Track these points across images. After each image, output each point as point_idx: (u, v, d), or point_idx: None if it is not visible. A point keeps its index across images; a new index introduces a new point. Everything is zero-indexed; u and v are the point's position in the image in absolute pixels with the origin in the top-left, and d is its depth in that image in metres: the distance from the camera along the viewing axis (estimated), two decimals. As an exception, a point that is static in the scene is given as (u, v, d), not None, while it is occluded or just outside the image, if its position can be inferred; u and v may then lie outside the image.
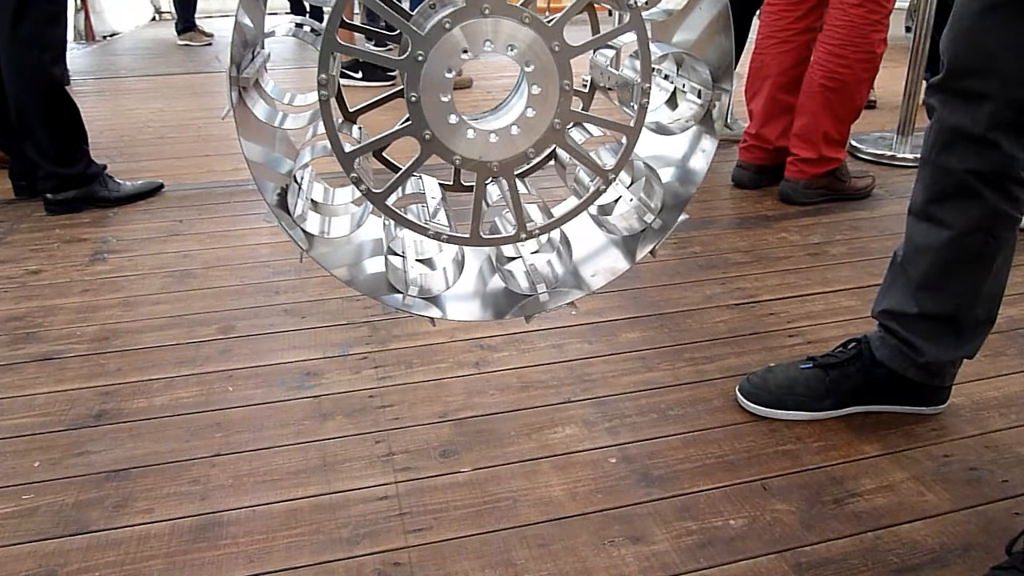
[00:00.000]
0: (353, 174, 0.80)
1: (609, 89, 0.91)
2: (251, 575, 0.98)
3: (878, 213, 2.21)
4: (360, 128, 0.89)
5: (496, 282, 0.96)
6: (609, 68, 0.89)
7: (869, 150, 2.71)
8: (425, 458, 1.20)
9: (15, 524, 1.07)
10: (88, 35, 5.66)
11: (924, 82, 2.80)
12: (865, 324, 1.35)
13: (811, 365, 1.29)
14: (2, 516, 1.09)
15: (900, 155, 2.66)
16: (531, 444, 1.23)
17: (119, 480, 1.16)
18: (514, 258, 0.96)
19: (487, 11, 0.72)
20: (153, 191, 2.45)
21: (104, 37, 5.82)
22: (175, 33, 5.47)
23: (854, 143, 2.72)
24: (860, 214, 2.20)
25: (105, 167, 2.39)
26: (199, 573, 0.99)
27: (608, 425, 1.27)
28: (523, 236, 0.85)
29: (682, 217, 0.92)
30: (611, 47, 0.90)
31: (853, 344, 1.29)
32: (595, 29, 0.89)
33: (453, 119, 0.76)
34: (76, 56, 4.99)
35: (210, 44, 5.42)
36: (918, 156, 2.56)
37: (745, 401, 1.30)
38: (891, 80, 3.18)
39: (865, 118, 2.31)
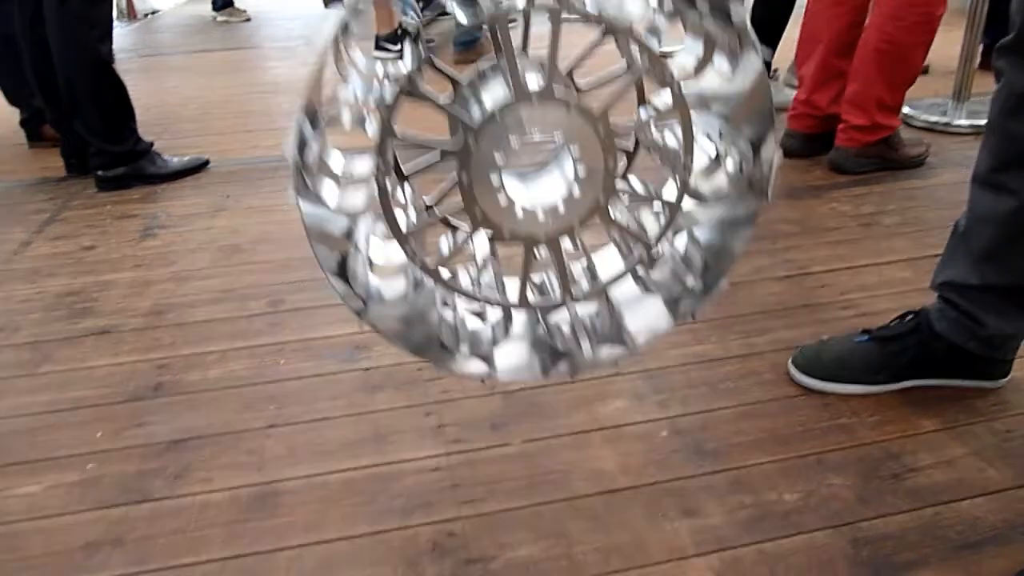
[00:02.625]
0: (409, 248, 0.83)
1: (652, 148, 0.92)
2: (309, 543, 1.00)
3: (933, 182, 2.15)
4: (413, 189, 0.90)
5: (542, 335, 0.98)
6: (653, 130, 0.89)
7: (923, 117, 2.63)
8: (476, 430, 1.20)
9: (81, 492, 1.11)
10: (129, 13, 5.73)
11: (981, 46, 2.70)
12: (921, 296, 1.32)
13: (867, 338, 1.27)
14: (69, 484, 1.12)
15: (955, 122, 2.58)
16: (581, 417, 1.22)
17: (178, 450, 1.18)
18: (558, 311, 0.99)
19: (535, 100, 0.76)
20: (199, 167, 2.48)
21: (145, 15, 5.88)
22: (212, 10, 5.51)
23: (907, 110, 2.63)
24: (913, 183, 2.14)
25: (152, 144, 2.42)
26: (259, 541, 1.01)
27: (658, 398, 1.26)
28: (568, 301, 0.91)
29: (723, 282, 0.93)
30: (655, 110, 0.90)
31: (911, 316, 1.26)
32: (640, 99, 0.89)
33: (504, 200, 0.81)
34: (118, 34, 5.03)
35: (249, 20, 5.44)
36: (974, 123, 2.51)
37: (798, 374, 1.28)
38: (945, 44, 3.06)
39: (918, 84, 2.23)
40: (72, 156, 2.46)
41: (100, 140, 2.29)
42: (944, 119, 2.60)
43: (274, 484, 1.11)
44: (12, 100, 2.85)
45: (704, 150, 0.90)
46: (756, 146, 0.85)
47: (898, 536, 0.98)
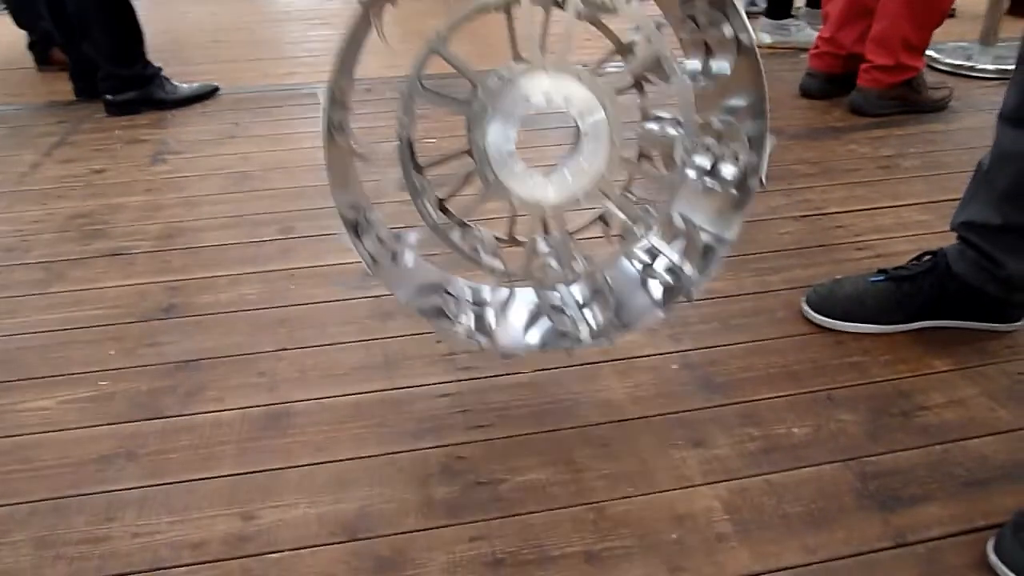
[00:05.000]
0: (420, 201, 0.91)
1: (654, 156, 0.98)
2: (320, 462, 1.01)
3: (954, 126, 2.11)
4: (428, 180, 0.94)
5: (542, 311, 1.04)
6: (654, 131, 0.94)
7: (947, 60, 2.57)
8: (486, 359, 1.20)
9: (94, 408, 1.12)
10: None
11: (1012, -12, 2.62)
12: (938, 239, 1.30)
13: (882, 278, 1.25)
14: (82, 400, 1.13)
15: (980, 66, 2.52)
16: (591, 349, 1.22)
17: (190, 370, 1.19)
18: (559, 307, 1.05)
19: (548, 69, 0.83)
20: (209, 94, 2.45)
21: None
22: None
23: (931, 53, 2.57)
24: (935, 127, 2.10)
25: (161, 69, 2.38)
26: (270, 458, 1.02)
27: (670, 332, 1.26)
28: (570, 277, 0.96)
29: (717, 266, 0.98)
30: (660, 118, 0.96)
31: (928, 257, 1.25)
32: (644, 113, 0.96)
33: (513, 165, 0.87)
34: (126, -42, 4.93)
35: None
36: (1000, 67, 2.44)
37: (811, 312, 1.27)
38: (974, -14, 2.99)
39: (944, 26, 2.18)
40: (81, 80, 2.43)
41: (108, 63, 2.26)
42: (969, 63, 2.54)
43: (285, 405, 1.12)
44: (21, 23, 2.80)
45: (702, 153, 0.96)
46: (752, 142, 0.92)
47: (906, 471, 0.99)
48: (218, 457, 1.02)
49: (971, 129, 2.07)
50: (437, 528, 0.92)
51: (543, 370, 1.17)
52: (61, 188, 1.83)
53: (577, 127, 0.87)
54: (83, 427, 1.08)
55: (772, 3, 2.83)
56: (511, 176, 0.87)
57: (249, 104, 2.38)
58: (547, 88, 0.84)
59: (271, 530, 0.92)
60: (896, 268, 1.27)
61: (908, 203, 1.67)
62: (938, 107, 2.19)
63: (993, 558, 0.85)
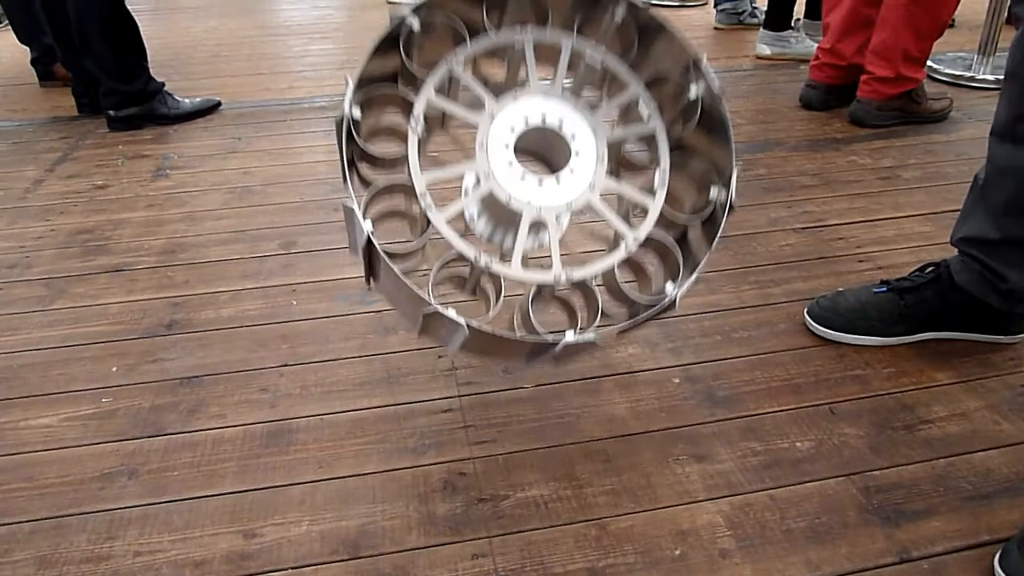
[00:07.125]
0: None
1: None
2: (322, 479, 1.01)
3: (955, 137, 2.11)
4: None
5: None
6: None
7: (946, 70, 2.57)
8: (487, 374, 1.20)
9: (96, 424, 1.12)
10: (140, -48, 5.62)
11: (1011, -2, 2.63)
12: (939, 251, 1.30)
13: (885, 289, 1.25)
14: (85, 416, 1.13)
15: (980, 76, 2.52)
16: (593, 363, 1.22)
17: (192, 386, 1.19)
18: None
19: (548, 95, 0.96)
20: (211, 109, 2.46)
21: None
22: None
23: (931, 63, 2.58)
24: (935, 137, 2.10)
25: (164, 84, 2.39)
26: (272, 475, 1.02)
27: (671, 346, 1.26)
28: (559, 279, 0.98)
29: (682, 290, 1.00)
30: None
31: (931, 268, 1.25)
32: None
33: (510, 163, 0.94)
34: (129, -27, 4.96)
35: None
36: (999, 78, 2.44)
37: (814, 324, 1.27)
38: (973, -3, 3.00)
39: (943, 37, 2.18)
40: (83, 95, 2.44)
41: (111, 79, 2.27)
42: (968, 73, 2.54)
43: (287, 421, 1.11)
44: (23, 38, 2.82)
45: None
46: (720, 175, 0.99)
47: (909, 485, 0.98)
48: (220, 474, 1.02)
49: (971, 139, 2.08)
50: (439, 545, 0.91)
51: (544, 385, 1.17)
52: (63, 204, 1.84)
53: (569, 145, 0.97)
54: (85, 444, 1.08)
55: (771, 14, 2.84)
56: (506, 174, 0.94)
57: (251, 119, 2.38)
58: (545, 110, 0.95)
59: (273, 548, 0.91)
60: (898, 279, 1.27)
61: (909, 214, 1.67)
62: (938, 118, 2.19)
63: (999, 573, 0.84)
